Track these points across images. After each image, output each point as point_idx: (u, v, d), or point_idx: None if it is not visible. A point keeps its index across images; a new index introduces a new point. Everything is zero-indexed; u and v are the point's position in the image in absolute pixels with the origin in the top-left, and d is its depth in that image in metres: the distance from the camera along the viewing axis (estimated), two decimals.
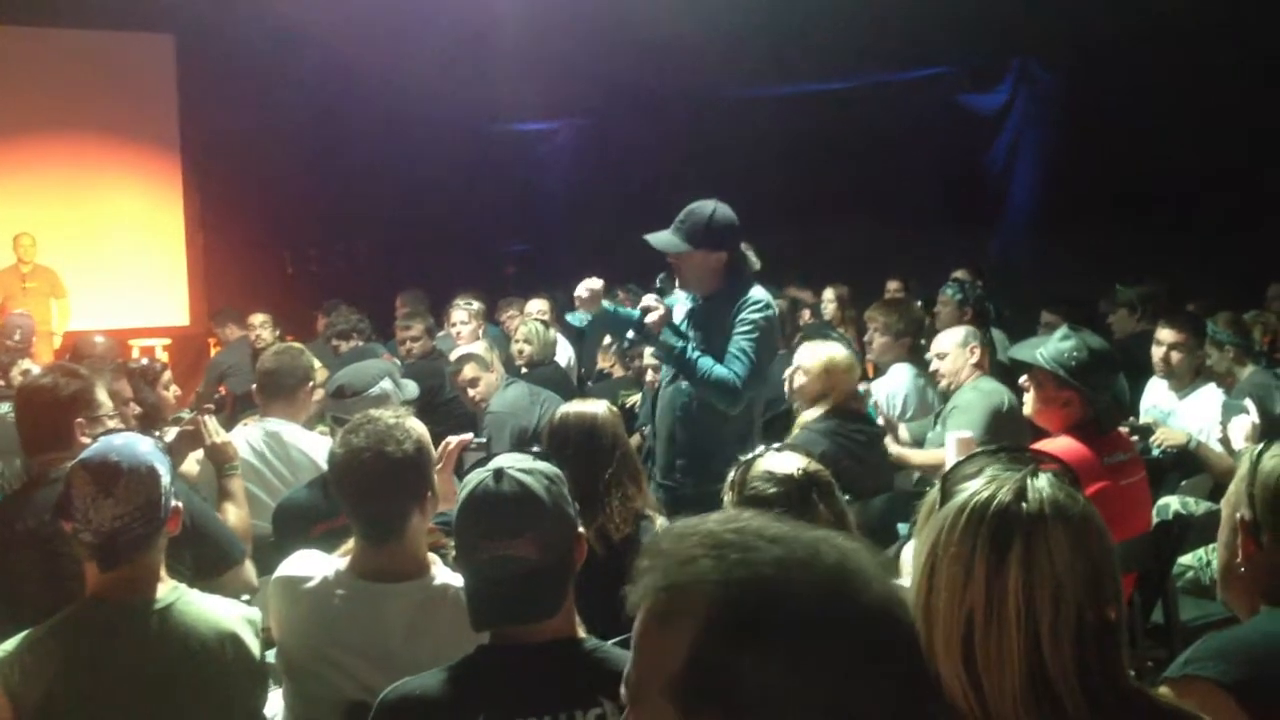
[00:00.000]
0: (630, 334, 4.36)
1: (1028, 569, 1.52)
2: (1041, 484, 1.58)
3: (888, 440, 4.99)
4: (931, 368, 5.42)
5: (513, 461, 2.18)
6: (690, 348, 4.23)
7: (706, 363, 4.19)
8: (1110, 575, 1.57)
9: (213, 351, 11.41)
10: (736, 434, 4.20)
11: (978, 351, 5.21)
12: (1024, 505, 1.55)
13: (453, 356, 7.11)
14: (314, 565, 2.69)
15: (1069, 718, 1.50)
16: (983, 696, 1.52)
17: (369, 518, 2.64)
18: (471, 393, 6.07)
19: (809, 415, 4.45)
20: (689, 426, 4.34)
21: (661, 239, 4.29)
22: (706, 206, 4.27)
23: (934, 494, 1.65)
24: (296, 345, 4.98)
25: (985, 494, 1.57)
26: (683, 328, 4.36)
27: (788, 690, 1.14)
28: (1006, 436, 4.28)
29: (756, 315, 4.24)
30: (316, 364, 4.66)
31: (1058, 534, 1.53)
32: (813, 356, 4.64)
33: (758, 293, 4.32)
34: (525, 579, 2.07)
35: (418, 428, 2.77)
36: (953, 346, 5.26)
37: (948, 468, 1.94)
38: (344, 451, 2.68)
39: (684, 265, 4.32)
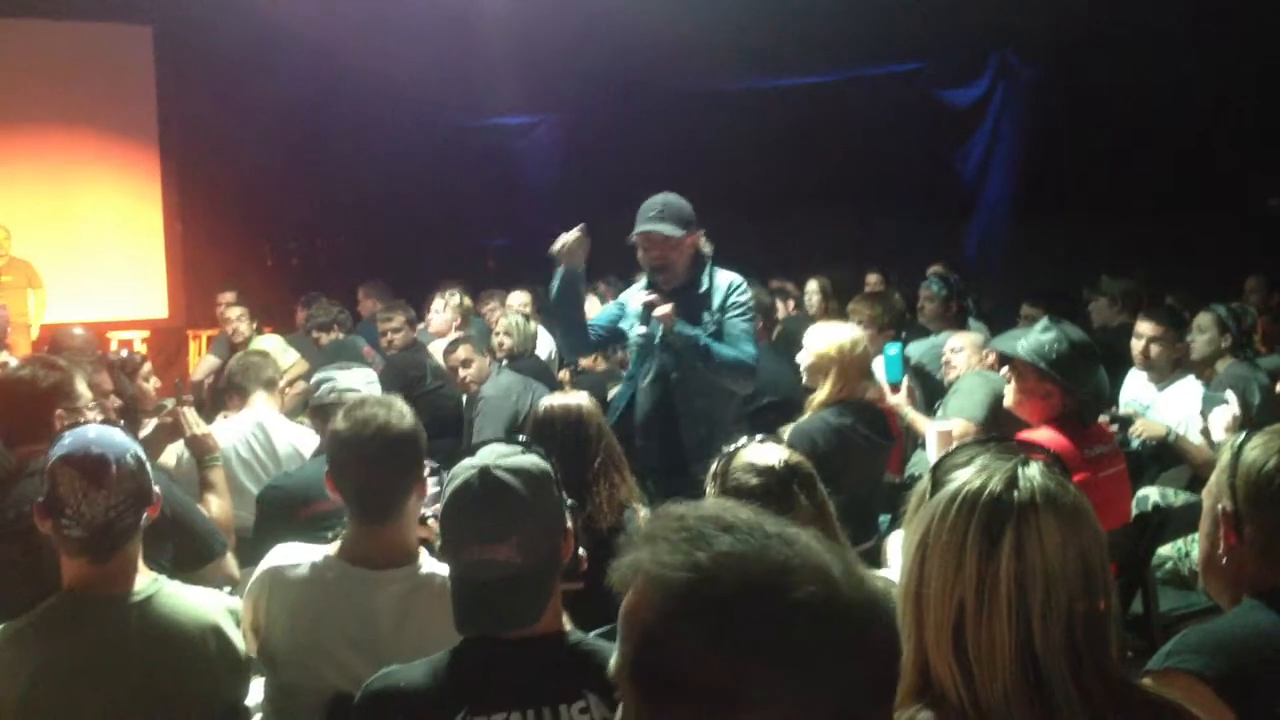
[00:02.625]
0: (642, 329, 4.40)
1: (1019, 558, 1.52)
2: (1033, 473, 1.58)
3: (902, 400, 5.09)
4: (944, 359, 5.58)
5: (499, 457, 2.12)
6: (703, 335, 4.29)
7: (720, 347, 4.32)
8: (1101, 565, 1.57)
9: (190, 345, 11.38)
10: (734, 415, 4.46)
11: (990, 357, 5.31)
12: (1015, 494, 1.55)
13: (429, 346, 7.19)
14: (300, 554, 2.68)
15: (1059, 707, 1.50)
16: (973, 685, 1.52)
17: (369, 493, 2.63)
18: (463, 373, 6.22)
19: (819, 397, 4.39)
20: (694, 416, 4.39)
21: (665, 228, 4.32)
22: (670, 196, 4.40)
23: (924, 483, 1.65)
24: (260, 349, 4.98)
25: (977, 483, 1.57)
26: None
27: (709, 680, 1.13)
28: (1007, 420, 4.29)
29: (744, 297, 4.45)
30: (296, 355, 4.67)
31: (1049, 523, 1.53)
32: (817, 339, 4.57)
33: (733, 275, 4.49)
34: (509, 583, 2.04)
35: (410, 411, 2.79)
36: (970, 346, 5.50)
37: (929, 459, 1.95)
38: (348, 425, 2.67)
39: (675, 253, 4.38)
